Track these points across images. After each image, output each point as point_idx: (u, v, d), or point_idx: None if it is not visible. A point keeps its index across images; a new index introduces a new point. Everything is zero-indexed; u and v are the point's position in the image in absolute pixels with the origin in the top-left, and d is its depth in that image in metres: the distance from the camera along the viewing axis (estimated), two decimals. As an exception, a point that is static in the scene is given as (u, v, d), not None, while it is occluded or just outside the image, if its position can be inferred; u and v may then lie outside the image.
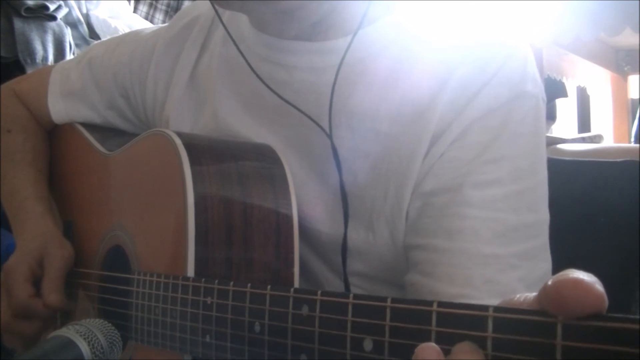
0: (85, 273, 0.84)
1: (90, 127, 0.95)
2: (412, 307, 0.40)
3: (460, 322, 0.37)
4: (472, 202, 0.63)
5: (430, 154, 0.66)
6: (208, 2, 0.70)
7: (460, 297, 0.61)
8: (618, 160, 1.01)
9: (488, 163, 0.64)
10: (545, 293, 0.33)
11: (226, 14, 0.78)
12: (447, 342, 0.38)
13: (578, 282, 0.32)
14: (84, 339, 0.59)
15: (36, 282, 0.81)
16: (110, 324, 0.62)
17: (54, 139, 1.00)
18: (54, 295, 0.79)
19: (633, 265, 0.92)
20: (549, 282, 0.33)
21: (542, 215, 0.67)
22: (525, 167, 0.65)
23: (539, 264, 0.65)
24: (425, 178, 0.66)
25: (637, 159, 0.99)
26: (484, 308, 0.36)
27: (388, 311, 0.42)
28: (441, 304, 0.39)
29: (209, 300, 0.58)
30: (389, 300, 0.42)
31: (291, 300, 0.49)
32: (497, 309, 0.36)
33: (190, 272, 0.63)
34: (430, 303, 0.39)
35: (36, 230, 0.85)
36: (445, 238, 0.63)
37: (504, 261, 0.62)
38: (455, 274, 0.62)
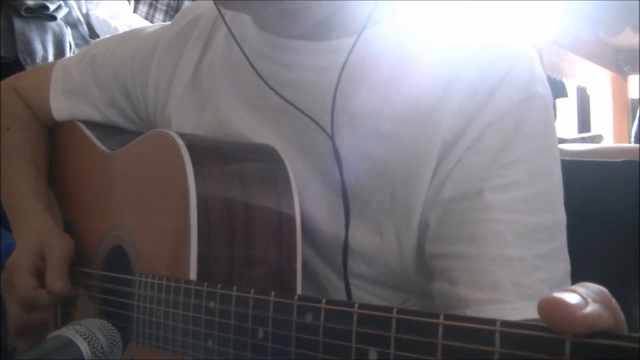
0: (85, 273, 0.83)
1: (91, 124, 0.94)
2: (418, 319, 0.40)
3: (467, 335, 0.37)
4: (492, 206, 0.63)
5: (445, 161, 0.66)
6: (210, 1, 0.70)
7: (489, 302, 0.61)
8: (618, 160, 1.01)
9: (505, 167, 0.64)
10: (538, 306, 0.33)
11: (229, 13, 0.78)
12: (453, 355, 0.37)
13: (557, 303, 0.32)
14: (84, 339, 0.59)
15: (39, 275, 0.80)
16: (110, 324, 0.62)
17: (55, 136, 1.00)
18: (58, 283, 0.78)
19: (633, 265, 0.92)
20: (540, 299, 0.33)
21: (560, 215, 0.67)
22: (541, 168, 0.65)
23: (560, 264, 0.65)
24: (444, 186, 0.66)
25: (637, 159, 0.99)
26: (492, 322, 0.36)
27: (394, 322, 0.41)
28: (448, 316, 0.38)
29: (211, 304, 0.57)
30: (394, 311, 0.41)
31: (295, 307, 0.48)
32: (504, 323, 0.35)
33: (193, 273, 0.62)
34: (436, 315, 0.39)
35: (35, 226, 0.85)
36: (469, 244, 0.63)
37: (528, 263, 0.62)
38: (482, 279, 0.62)
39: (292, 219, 0.68)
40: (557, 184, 0.67)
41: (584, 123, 5.44)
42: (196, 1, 0.89)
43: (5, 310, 0.84)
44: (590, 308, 0.32)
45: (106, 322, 0.62)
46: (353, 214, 0.69)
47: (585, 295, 0.33)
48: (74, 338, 0.58)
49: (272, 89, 0.71)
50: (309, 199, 0.71)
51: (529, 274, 0.62)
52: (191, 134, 0.75)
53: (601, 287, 0.35)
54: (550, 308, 0.32)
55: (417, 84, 0.68)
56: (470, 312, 0.62)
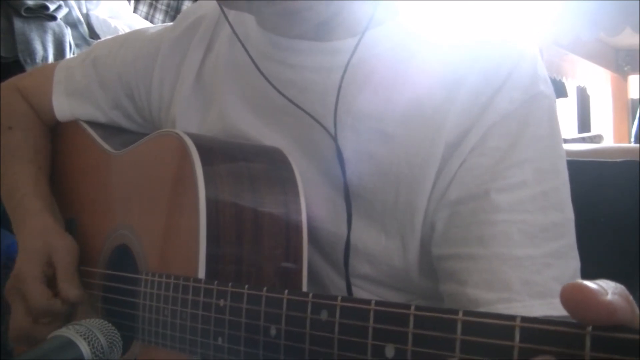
0: (88, 271, 0.83)
1: (94, 124, 0.94)
2: (437, 315, 0.40)
3: (486, 331, 0.37)
4: (500, 207, 0.63)
5: (449, 163, 0.66)
6: (212, 1, 0.70)
7: (499, 301, 0.61)
8: (618, 160, 1.01)
9: (511, 167, 0.64)
10: (560, 292, 0.34)
11: (232, 13, 0.78)
12: (472, 351, 0.37)
13: (581, 287, 0.33)
14: (84, 339, 0.59)
15: (49, 281, 0.80)
16: (110, 324, 0.62)
17: (57, 135, 1.00)
18: (73, 291, 0.78)
19: (633, 265, 0.92)
20: (564, 285, 0.34)
21: (568, 213, 0.67)
22: (547, 167, 0.66)
23: (570, 261, 0.66)
24: (449, 188, 0.66)
25: (637, 159, 0.99)
26: (511, 318, 0.36)
27: (411, 318, 0.41)
28: (467, 312, 0.38)
29: (221, 302, 0.57)
30: (412, 307, 0.41)
31: (309, 305, 0.48)
32: (524, 319, 0.36)
33: (202, 271, 0.62)
34: (455, 311, 0.39)
35: (36, 227, 0.85)
36: (478, 245, 0.63)
37: (538, 261, 0.63)
38: (492, 279, 0.62)
39: (298, 220, 0.69)
40: (564, 182, 0.67)
41: (584, 123, 5.44)
42: (198, 1, 0.89)
43: (5, 310, 0.84)
44: (611, 297, 0.33)
45: (106, 322, 0.62)
46: (357, 214, 0.69)
47: (605, 287, 0.33)
48: (74, 338, 0.58)
49: (275, 88, 0.72)
50: (312, 198, 0.71)
51: (539, 272, 0.62)
52: (199, 135, 0.75)
53: (620, 285, 0.35)
54: (574, 292, 0.33)
55: (420, 85, 0.68)
56: None
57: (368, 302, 0.44)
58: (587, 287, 0.33)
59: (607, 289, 0.33)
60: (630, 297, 0.34)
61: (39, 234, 0.83)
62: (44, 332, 0.80)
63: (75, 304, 0.79)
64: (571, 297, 0.33)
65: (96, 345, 0.59)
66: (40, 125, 0.98)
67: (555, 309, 0.61)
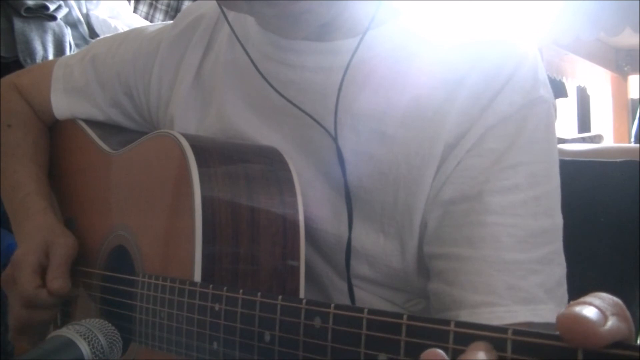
0: (87, 272, 0.83)
1: (92, 123, 0.94)
2: (430, 325, 0.40)
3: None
4: (492, 209, 0.63)
5: (446, 163, 0.66)
6: (212, 1, 0.70)
7: (483, 304, 0.62)
8: (618, 160, 1.01)
9: (506, 170, 0.64)
10: (557, 320, 0.33)
11: (232, 13, 0.78)
12: None
13: (579, 320, 0.32)
14: (84, 339, 0.59)
15: (44, 273, 0.80)
16: (110, 324, 0.62)
17: (55, 134, 1.00)
18: (57, 282, 0.78)
19: (633, 265, 0.92)
20: (561, 311, 0.33)
21: (557, 219, 0.67)
22: (541, 172, 0.66)
23: (556, 268, 0.65)
24: (444, 187, 0.66)
25: (637, 159, 0.99)
26: (503, 330, 0.36)
27: (404, 328, 0.41)
28: (459, 323, 0.38)
29: (216, 306, 0.57)
30: (405, 317, 0.41)
31: (303, 311, 0.48)
32: (516, 331, 0.36)
33: (197, 274, 0.62)
34: (447, 322, 0.39)
35: (38, 224, 0.85)
36: (467, 246, 0.64)
37: (525, 267, 0.63)
38: (478, 281, 0.62)
39: (295, 220, 0.68)
40: (555, 187, 0.67)
41: (584, 123, 5.44)
42: (198, 1, 0.89)
43: (5, 309, 0.84)
44: (610, 323, 0.32)
45: (106, 322, 0.62)
46: (356, 215, 0.69)
47: (603, 309, 0.33)
48: (74, 338, 0.58)
49: (274, 89, 0.71)
50: (311, 199, 0.71)
51: (525, 278, 0.62)
52: (196, 135, 0.75)
53: (616, 299, 0.34)
54: (572, 325, 0.32)
55: (420, 85, 0.68)
56: (464, 314, 0.62)
57: (361, 310, 0.44)
58: (584, 319, 0.32)
59: (605, 310, 0.33)
60: (627, 312, 0.34)
61: (41, 230, 0.84)
62: (41, 319, 0.81)
63: (60, 297, 0.79)
64: (568, 329, 0.33)
65: (96, 345, 0.59)
66: (39, 123, 0.99)
67: (538, 315, 0.61)
